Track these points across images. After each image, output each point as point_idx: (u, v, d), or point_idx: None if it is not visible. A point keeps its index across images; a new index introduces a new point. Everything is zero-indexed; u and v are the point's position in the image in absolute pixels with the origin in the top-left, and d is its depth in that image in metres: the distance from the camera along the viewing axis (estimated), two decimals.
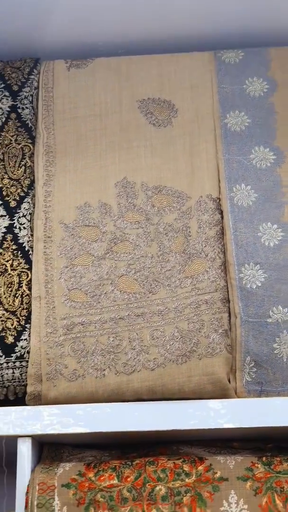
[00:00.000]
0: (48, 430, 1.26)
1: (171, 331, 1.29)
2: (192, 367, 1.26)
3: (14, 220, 1.42)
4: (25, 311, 1.35)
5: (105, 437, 1.30)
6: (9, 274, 1.38)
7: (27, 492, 1.21)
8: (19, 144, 1.50)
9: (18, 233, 1.41)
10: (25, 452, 1.25)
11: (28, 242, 1.41)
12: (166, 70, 1.57)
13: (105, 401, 1.27)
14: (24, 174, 1.47)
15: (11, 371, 1.30)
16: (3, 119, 1.52)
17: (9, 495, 1.28)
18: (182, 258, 1.36)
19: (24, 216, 1.43)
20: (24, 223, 1.42)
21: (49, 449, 1.33)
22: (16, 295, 1.36)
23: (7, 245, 1.40)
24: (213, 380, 1.25)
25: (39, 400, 1.29)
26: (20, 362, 1.31)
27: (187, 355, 1.27)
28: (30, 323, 1.34)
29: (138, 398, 1.26)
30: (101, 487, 1.19)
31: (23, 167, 1.48)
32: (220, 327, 1.30)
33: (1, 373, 1.30)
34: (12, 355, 1.31)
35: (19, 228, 1.42)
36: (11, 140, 1.50)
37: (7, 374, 1.30)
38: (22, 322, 1.34)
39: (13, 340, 1.32)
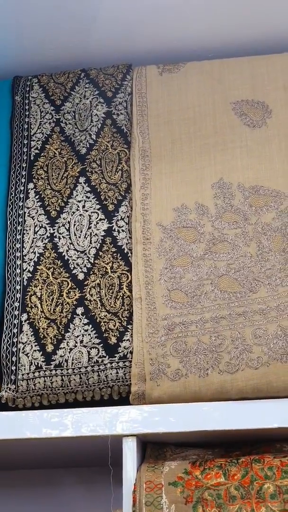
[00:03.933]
0: (152, 429, 1.27)
1: (273, 330, 1.29)
2: None
3: (112, 223, 1.45)
4: (126, 312, 1.37)
5: (207, 436, 1.30)
6: (110, 276, 1.40)
7: (134, 491, 1.23)
8: (115, 149, 1.53)
9: (117, 236, 1.43)
10: (130, 451, 1.27)
11: (127, 244, 1.43)
12: (259, 71, 1.57)
13: (209, 400, 1.27)
14: (121, 178, 1.50)
15: (115, 371, 1.32)
16: (99, 125, 1.55)
17: (115, 494, 1.29)
18: (282, 257, 1.36)
19: (122, 219, 1.45)
20: (122, 226, 1.44)
21: (152, 448, 1.34)
22: (117, 297, 1.38)
23: (107, 248, 1.42)
24: None
25: (143, 399, 1.30)
26: (124, 362, 1.33)
27: None
28: (131, 324, 1.36)
29: (243, 397, 1.26)
30: (208, 485, 1.20)
31: (120, 172, 1.50)
32: None
33: (105, 373, 1.32)
34: (115, 355, 1.33)
35: (118, 231, 1.44)
36: (107, 146, 1.53)
37: (111, 374, 1.32)
38: (124, 323, 1.36)
39: (116, 341, 1.34)
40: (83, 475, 1.60)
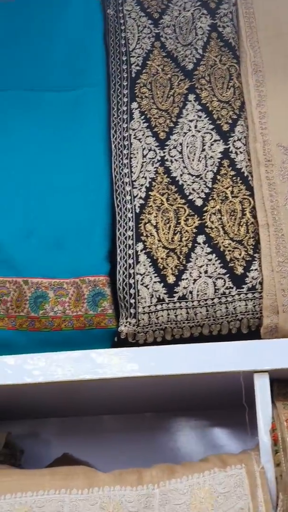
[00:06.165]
0: (287, 364, 1.18)
1: None
2: None
3: (229, 144, 1.33)
4: (252, 240, 1.26)
5: None
6: (231, 201, 1.29)
7: (273, 429, 1.14)
8: (224, 64, 1.40)
9: (235, 158, 1.32)
10: (264, 388, 1.17)
11: (246, 167, 1.31)
12: None
13: None
14: (234, 96, 1.37)
15: (243, 303, 1.22)
16: (205, 39, 1.42)
17: (245, 433, 1.21)
18: None
19: (239, 140, 1.33)
20: (240, 147, 1.33)
21: (279, 385, 1.25)
22: (241, 224, 1.27)
23: (225, 171, 1.31)
24: None
25: (275, 333, 1.21)
26: (253, 293, 1.22)
27: None
28: (258, 253, 1.25)
29: None
30: None
31: (232, 88, 1.38)
32: None
33: (234, 305, 1.22)
34: (243, 286, 1.23)
35: (236, 153, 1.32)
36: (215, 61, 1.40)
37: (239, 306, 1.22)
38: (251, 252, 1.25)
39: (242, 271, 1.24)
40: (204, 417, 1.51)
